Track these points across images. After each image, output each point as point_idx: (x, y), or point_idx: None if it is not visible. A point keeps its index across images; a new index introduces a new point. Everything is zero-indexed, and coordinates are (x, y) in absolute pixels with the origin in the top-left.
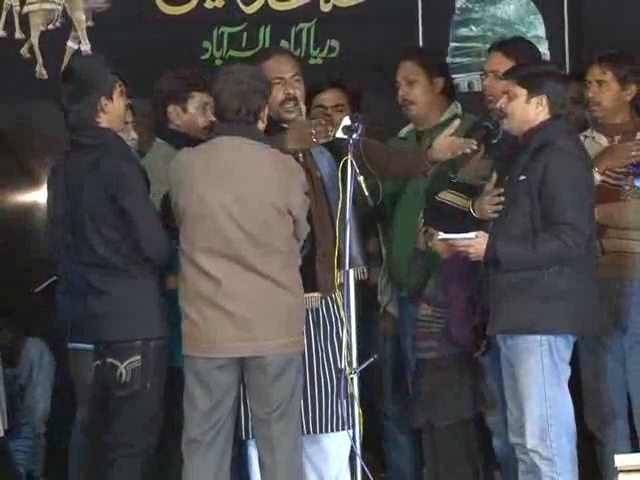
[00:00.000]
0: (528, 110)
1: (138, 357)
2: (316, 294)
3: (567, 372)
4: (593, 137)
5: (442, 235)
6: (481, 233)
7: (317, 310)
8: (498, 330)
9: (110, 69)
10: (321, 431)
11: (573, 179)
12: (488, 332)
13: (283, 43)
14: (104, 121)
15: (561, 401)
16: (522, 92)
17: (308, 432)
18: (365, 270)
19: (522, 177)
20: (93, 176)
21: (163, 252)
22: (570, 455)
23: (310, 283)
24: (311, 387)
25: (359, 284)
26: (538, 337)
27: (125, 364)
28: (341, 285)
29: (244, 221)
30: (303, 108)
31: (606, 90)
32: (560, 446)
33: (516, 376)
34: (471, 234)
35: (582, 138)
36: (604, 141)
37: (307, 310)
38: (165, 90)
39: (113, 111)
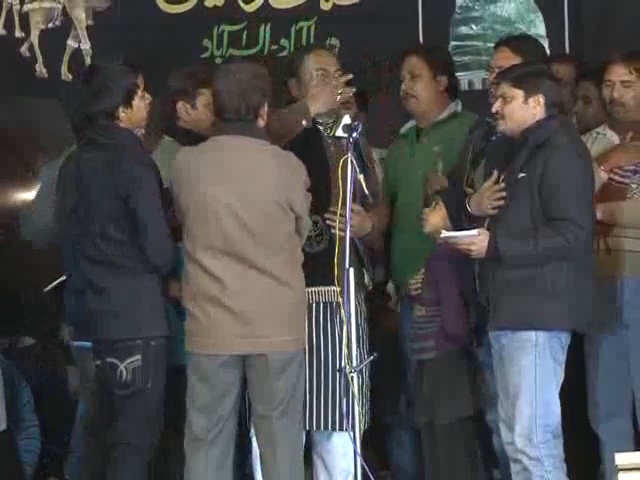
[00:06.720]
0: (526, 111)
1: (138, 356)
2: (334, 288)
3: (560, 374)
4: (605, 134)
5: (445, 233)
6: (482, 230)
7: (337, 304)
8: (499, 326)
9: (130, 74)
10: (329, 429)
11: (572, 176)
12: (489, 328)
13: (283, 42)
14: (122, 122)
15: (550, 402)
16: (519, 93)
17: (311, 427)
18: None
19: (522, 174)
20: (106, 175)
21: (169, 260)
22: (558, 455)
23: (328, 276)
24: (325, 383)
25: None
26: (533, 336)
27: (125, 363)
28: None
29: (247, 219)
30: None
31: (632, 90)
32: (548, 447)
33: (508, 375)
34: (473, 231)
35: (594, 134)
36: (615, 138)
37: (324, 303)
38: (175, 87)
39: (131, 115)
